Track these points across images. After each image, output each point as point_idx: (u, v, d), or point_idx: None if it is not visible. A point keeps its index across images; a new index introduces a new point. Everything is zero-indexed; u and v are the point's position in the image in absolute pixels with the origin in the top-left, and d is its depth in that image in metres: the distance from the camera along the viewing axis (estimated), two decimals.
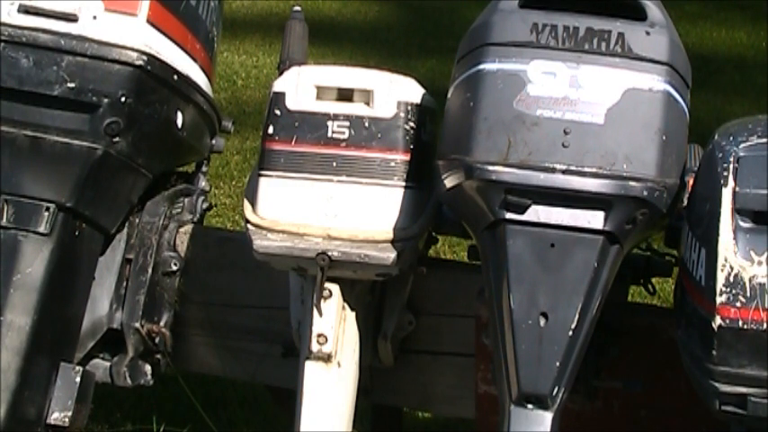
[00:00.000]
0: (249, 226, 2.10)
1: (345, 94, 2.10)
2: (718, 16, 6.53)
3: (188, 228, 2.49)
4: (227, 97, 5.31)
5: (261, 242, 2.06)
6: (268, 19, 6.30)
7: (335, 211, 2.07)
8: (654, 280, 2.25)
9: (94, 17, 2.08)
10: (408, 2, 6.92)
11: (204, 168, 2.57)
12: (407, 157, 2.08)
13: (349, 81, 2.11)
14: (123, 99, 2.09)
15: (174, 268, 2.43)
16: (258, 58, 5.83)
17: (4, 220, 2.14)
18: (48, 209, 2.15)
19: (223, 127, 2.57)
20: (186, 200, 2.50)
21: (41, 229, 2.14)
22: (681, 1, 6.09)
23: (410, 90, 2.12)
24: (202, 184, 2.56)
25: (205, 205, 2.56)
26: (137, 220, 2.40)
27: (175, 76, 2.21)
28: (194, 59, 2.32)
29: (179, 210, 2.48)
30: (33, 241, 2.15)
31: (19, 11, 2.08)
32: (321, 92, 2.10)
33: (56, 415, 2.20)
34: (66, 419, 2.21)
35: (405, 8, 6.79)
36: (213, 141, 2.54)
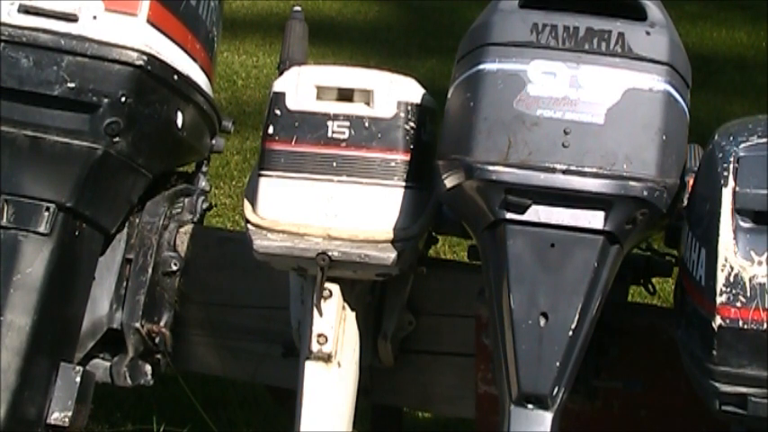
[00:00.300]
0: (249, 226, 2.09)
1: (345, 94, 2.10)
2: (719, 16, 6.53)
3: (188, 228, 2.49)
4: (228, 97, 5.31)
5: (261, 242, 2.06)
6: (268, 19, 6.30)
7: (335, 211, 2.07)
8: (654, 280, 2.25)
9: (94, 17, 2.08)
10: (408, 2, 6.92)
11: (204, 168, 2.57)
12: (407, 158, 2.08)
13: (349, 81, 2.11)
14: (123, 99, 2.09)
15: (174, 268, 2.43)
16: (258, 58, 5.83)
17: (5, 220, 2.14)
18: (48, 209, 2.14)
19: (223, 127, 2.57)
20: (186, 200, 2.50)
21: (41, 229, 2.14)
22: (681, 1, 6.10)
23: (410, 90, 2.12)
24: (202, 184, 2.56)
25: (205, 205, 2.56)
26: (137, 220, 2.40)
27: (175, 76, 2.20)
28: (194, 59, 2.32)
29: (179, 210, 2.48)
30: (33, 241, 2.14)
31: (19, 11, 2.07)
32: (321, 92, 2.10)
33: (56, 415, 2.20)
34: (67, 419, 2.20)
35: (405, 8, 6.79)
36: (213, 141, 2.54)
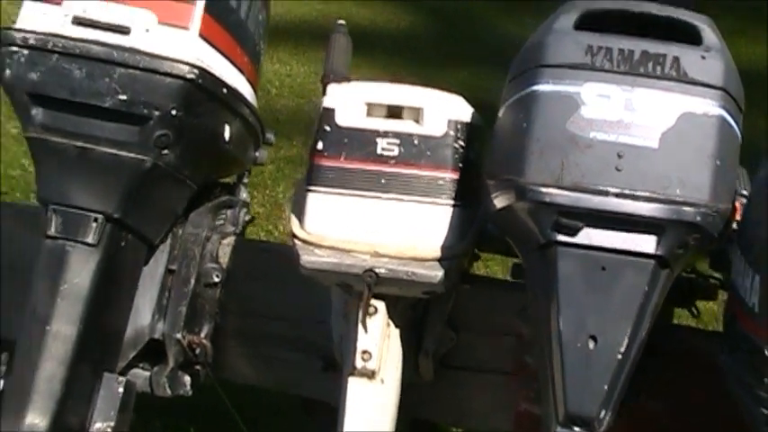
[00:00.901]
0: (296, 241, 2.10)
1: (395, 111, 2.11)
2: (754, 32, 6.49)
3: (230, 239, 2.49)
4: (261, 106, 5.25)
5: (308, 257, 2.06)
6: (301, 27, 6.30)
7: (383, 228, 2.07)
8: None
9: (147, 30, 2.08)
10: (440, 11, 6.91)
11: (245, 179, 2.58)
12: (455, 176, 2.08)
13: (398, 98, 2.11)
14: (173, 112, 2.09)
15: (216, 280, 2.43)
16: (292, 66, 5.83)
17: (53, 229, 2.14)
18: (95, 219, 2.15)
19: (266, 139, 2.58)
20: (229, 212, 2.51)
21: (89, 239, 2.15)
22: (715, 18, 6.07)
23: (459, 108, 2.12)
24: (243, 195, 2.56)
25: (247, 217, 2.56)
26: (180, 231, 2.40)
27: (224, 90, 2.21)
28: (242, 72, 2.33)
29: (222, 221, 2.48)
30: (80, 251, 2.15)
31: (73, 23, 2.08)
32: (371, 108, 2.10)
33: (98, 425, 2.21)
34: (109, 429, 2.21)
35: (437, 18, 6.79)
36: (257, 153, 2.55)
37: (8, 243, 2.79)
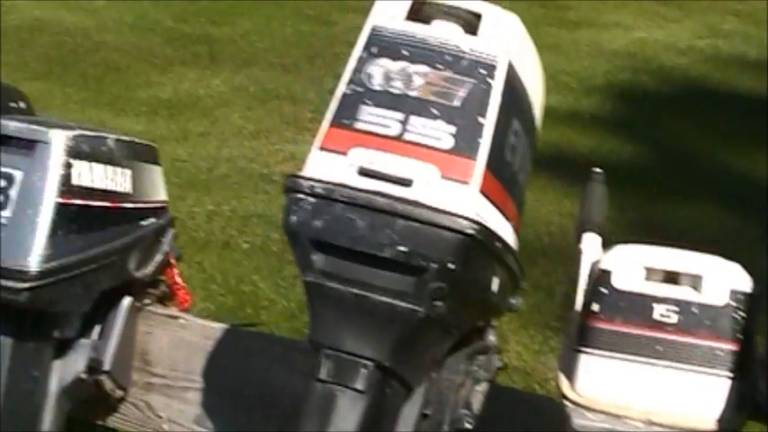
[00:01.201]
0: (567, 402, 2.09)
1: (672, 277, 2.09)
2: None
3: (483, 386, 2.49)
4: None
5: (580, 421, 2.05)
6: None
7: (657, 396, 2.04)
8: None
9: (429, 183, 2.11)
10: (659, 141, 6.86)
11: (494, 323, 2.57)
12: (734, 347, 2.04)
13: (677, 264, 2.09)
14: (450, 266, 2.10)
15: (468, 426, 2.42)
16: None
17: (324, 374, 2.17)
18: (366, 366, 2.17)
19: (520, 284, 2.57)
20: (482, 357, 2.50)
21: (358, 385, 2.16)
22: None
23: (740, 278, 2.08)
24: (492, 338, 2.55)
25: (499, 363, 2.55)
26: (435, 375, 2.41)
27: (498, 243, 2.22)
28: (509, 221, 2.34)
29: (476, 368, 2.48)
30: (349, 397, 2.17)
31: (358, 173, 2.12)
32: (648, 273, 2.08)
33: None
34: None
35: (658, 149, 6.73)
36: (513, 300, 2.54)
37: (250, 373, 2.86)
